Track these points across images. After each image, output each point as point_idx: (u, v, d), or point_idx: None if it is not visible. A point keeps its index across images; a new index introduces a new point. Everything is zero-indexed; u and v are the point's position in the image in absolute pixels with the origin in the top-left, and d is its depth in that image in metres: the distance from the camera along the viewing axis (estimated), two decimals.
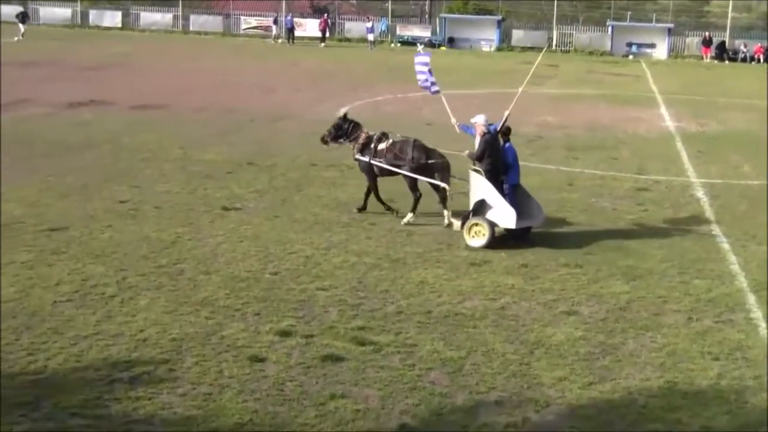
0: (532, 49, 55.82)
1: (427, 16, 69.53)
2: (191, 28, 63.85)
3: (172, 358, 9.19)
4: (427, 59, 16.59)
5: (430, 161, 14.75)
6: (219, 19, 65.01)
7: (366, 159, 15.05)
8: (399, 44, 59.03)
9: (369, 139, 15.17)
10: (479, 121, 14.30)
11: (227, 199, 15.94)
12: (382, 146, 15.01)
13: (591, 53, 56.42)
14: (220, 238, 13.60)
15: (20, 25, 51.80)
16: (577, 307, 11.24)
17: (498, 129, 14.44)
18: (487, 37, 59.74)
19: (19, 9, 57.10)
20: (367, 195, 15.33)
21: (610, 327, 10.62)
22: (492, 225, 13.72)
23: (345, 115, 15.66)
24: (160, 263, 12.23)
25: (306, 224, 14.57)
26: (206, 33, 62.48)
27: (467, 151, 14.63)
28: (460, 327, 10.43)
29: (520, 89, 15.86)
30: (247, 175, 18.10)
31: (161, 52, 47.06)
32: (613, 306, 11.34)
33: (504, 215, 13.74)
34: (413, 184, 14.89)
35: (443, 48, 57.46)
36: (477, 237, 13.71)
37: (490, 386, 8.93)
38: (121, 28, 63.54)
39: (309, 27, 60.37)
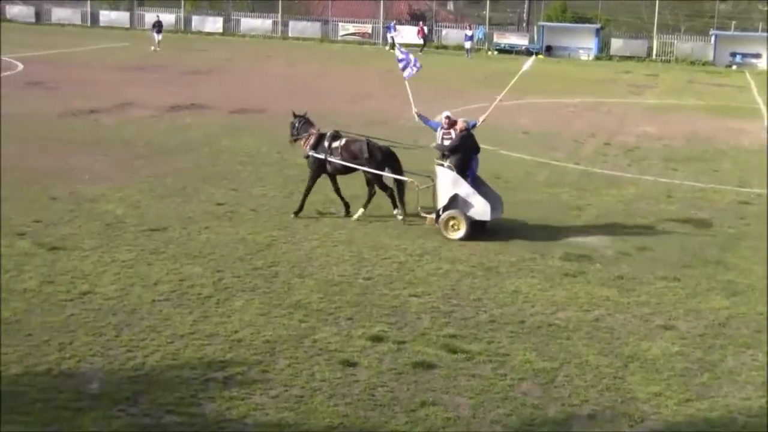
0: (631, 58, 54.91)
1: (524, 23, 68.98)
2: (290, 34, 64.60)
3: (265, 360, 9.28)
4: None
5: (384, 159, 15.15)
6: (317, 25, 65.64)
7: (321, 156, 15.23)
8: (496, 52, 58.73)
9: (321, 137, 15.41)
10: (448, 115, 15.03)
11: (322, 203, 16.04)
12: (336, 144, 15.27)
13: (692, 63, 55.19)
14: (314, 242, 13.70)
15: (155, 34, 50.42)
16: (674, 321, 10.99)
17: (476, 125, 15.07)
18: (585, 45, 59.01)
19: (155, 17, 55.68)
20: (338, 194, 15.51)
21: (709, 343, 10.35)
22: (467, 218, 14.12)
23: (294, 113, 16.04)
24: (255, 265, 12.37)
25: (399, 230, 14.57)
26: (304, 39, 63.12)
27: (434, 143, 14.98)
28: (553, 338, 10.29)
29: (498, 98, 16.21)
30: (341, 180, 18.14)
31: (260, 57, 47.73)
32: (711, 321, 11.05)
33: (477, 208, 14.20)
34: (380, 182, 15.24)
35: (540, 56, 56.97)
36: (454, 230, 14.15)
37: (583, 399, 8.79)
38: (222, 34, 64.67)
39: (406, 34, 60.46)
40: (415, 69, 16.79)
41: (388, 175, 15.22)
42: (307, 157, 15.56)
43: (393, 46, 57.05)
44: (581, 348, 10.03)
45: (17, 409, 8.01)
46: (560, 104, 30.83)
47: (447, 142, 14.86)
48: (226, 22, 66.62)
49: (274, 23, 66.13)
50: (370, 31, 63.87)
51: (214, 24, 66.59)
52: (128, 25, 68.65)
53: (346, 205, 15.48)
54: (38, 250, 12.50)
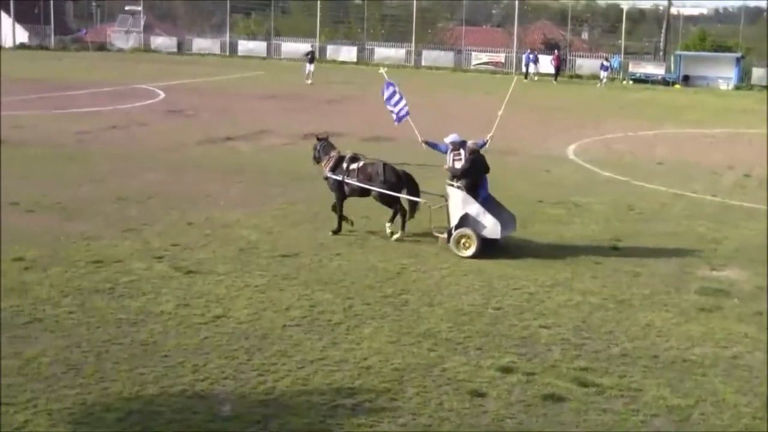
0: None
1: (661, 53, 67.65)
2: (423, 63, 65.08)
3: (393, 388, 9.29)
4: (393, 88, 17.19)
5: (401, 182, 15.59)
6: (450, 54, 65.95)
7: (339, 177, 15.69)
8: (631, 81, 57.74)
9: (341, 159, 15.88)
10: (453, 139, 15.32)
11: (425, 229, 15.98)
12: (353, 166, 15.73)
13: None
14: (444, 270, 13.68)
15: (307, 65, 49.10)
16: None
17: (486, 145, 15.47)
18: (724, 74, 57.49)
19: (308, 48, 54.75)
20: (339, 214, 15.86)
21: None
22: (478, 235, 14.53)
23: (317, 136, 16.69)
24: (385, 293, 12.43)
25: (530, 261, 14.42)
26: (437, 68, 63.46)
27: (446, 166, 15.25)
28: (688, 374, 9.98)
29: (499, 113, 16.49)
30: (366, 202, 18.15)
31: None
32: None
33: (488, 227, 14.65)
34: (391, 204, 15.66)
35: (677, 86, 55.73)
36: (466, 248, 14.55)
37: None
38: (356, 63, 65.57)
39: (541, 63, 60.09)
40: (401, 114, 17.27)
41: (402, 196, 15.60)
42: (326, 179, 16.01)
43: (526, 75, 56.95)
44: (718, 385, 9.68)
45: (154, 428, 8.23)
46: (698, 134, 30.06)
47: (458, 163, 15.15)
48: (360, 51, 67.63)
49: (408, 52, 66.78)
50: (503, 60, 63.73)
51: (348, 53, 67.73)
52: (265, 55, 70.40)
53: (339, 225, 15.80)
54: (175, 274, 12.88)
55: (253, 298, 11.99)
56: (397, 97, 17.32)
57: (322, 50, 69.04)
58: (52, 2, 76.46)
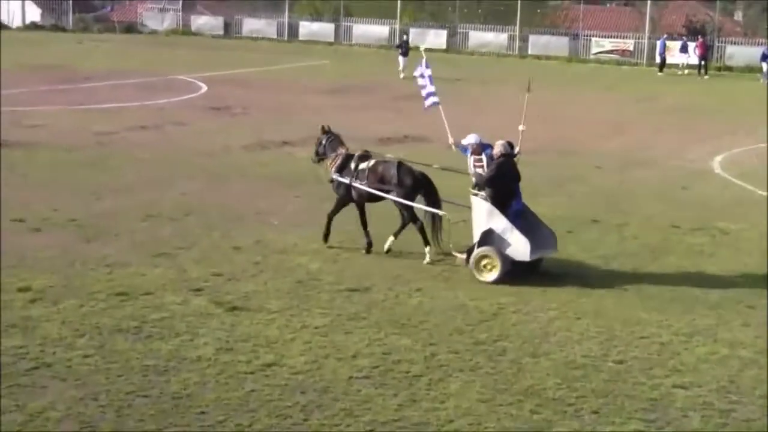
0: None
1: None
2: (530, 51, 64.96)
3: None
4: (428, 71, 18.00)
5: (417, 185, 16.15)
6: (564, 40, 65.75)
7: (345, 181, 16.36)
8: None
9: (349, 157, 16.48)
10: (472, 141, 16.03)
11: (564, 264, 15.93)
12: (363, 166, 16.35)
13: None
14: (552, 312, 13.61)
15: (400, 57, 49.34)
16: None
17: (515, 154, 15.74)
18: None
19: (402, 38, 54.64)
20: (364, 226, 16.54)
21: None
22: (503, 256, 14.81)
23: (323, 128, 17.25)
24: (477, 339, 12.41)
25: (662, 302, 14.27)
26: (548, 57, 63.27)
27: (471, 170, 15.82)
28: None
29: (521, 128, 16.80)
30: (589, 235, 18.04)
31: (492, 78, 48.22)
32: None
33: (516, 246, 14.89)
34: (412, 213, 16.13)
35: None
36: (487, 271, 14.84)
37: None
38: (446, 50, 65.66)
39: (678, 52, 59.47)
40: (431, 100, 18.13)
41: (418, 206, 16.15)
42: (332, 180, 16.68)
43: (661, 67, 56.48)
44: None
45: None
46: None
47: (479, 170, 15.67)
48: (451, 35, 67.82)
49: (511, 38, 66.78)
50: (631, 47, 63.32)
51: (436, 38, 67.84)
52: (332, 39, 70.98)
53: (369, 243, 16.36)
54: (216, 310, 13.02)
55: (313, 342, 12.06)
56: (428, 81, 18.16)
57: (404, 34, 69.39)
58: None
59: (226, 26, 75.20)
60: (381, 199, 16.40)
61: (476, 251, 15.04)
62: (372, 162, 16.45)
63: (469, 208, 15.71)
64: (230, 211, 18.66)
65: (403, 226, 16.25)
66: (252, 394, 10.43)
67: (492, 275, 14.84)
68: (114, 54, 54.93)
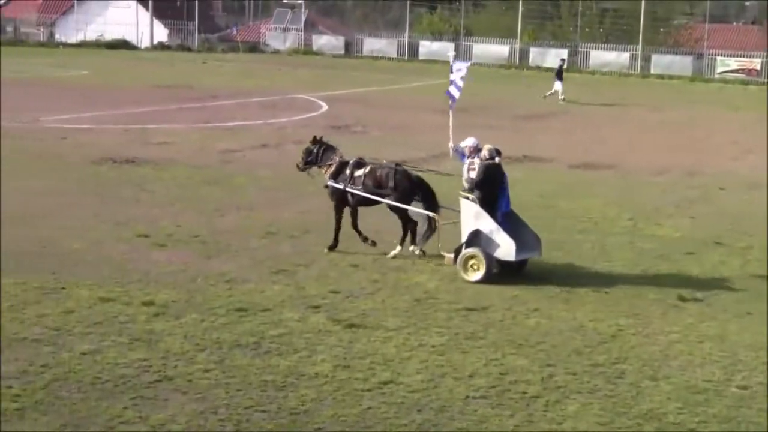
0: None
1: None
2: (652, 71, 64.20)
3: None
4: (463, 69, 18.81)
5: (414, 189, 16.84)
6: (688, 60, 64.80)
7: (340, 186, 16.95)
8: None
9: (344, 164, 17.13)
10: (470, 143, 16.46)
11: (685, 286, 15.67)
12: (359, 173, 16.97)
13: None
14: (673, 335, 13.39)
15: (556, 81, 47.24)
16: None
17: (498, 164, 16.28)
18: None
19: (561, 58, 52.60)
20: (355, 227, 17.24)
21: None
22: (489, 257, 15.45)
23: (315, 138, 17.93)
24: (595, 361, 12.26)
25: None
26: (670, 77, 62.47)
27: (464, 176, 16.35)
28: None
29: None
30: (712, 258, 17.73)
31: (613, 98, 47.70)
32: None
33: (502, 247, 15.52)
34: (405, 215, 16.90)
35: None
36: (474, 271, 15.50)
37: None
38: (566, 70, 65.24)
39: None
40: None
41: (416, 210, 16.86)
42: (327, 186, 17.30)
43: None
44: None
45: None
46: None
47: (473, 173, 16.18)
48: (571, 55, 67.33)
49: (633, 57, 66.07)
50: (758, 67, 62.13)
51: (557, 58, 67.40)
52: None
53: (364, 239, 17.15)
54: (334, 327, 13.09)
55: (429, 360, 12.04)
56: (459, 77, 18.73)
57: (524, 53, 69.21)
58: None
59: (347, 46, 75.88)
60: (376, 203, 17.01)
61: (463, 251, 15.70)
62: (368, 168, 17.05)
63: (458, 211, 16.30)
64: (350, 229, 18.72)
65: (405, 233, 16.96)
66: (368, 412, 10.45)
67: (478, 275, 15.48)
68: (237, 73, 55.77)
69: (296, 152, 27.75)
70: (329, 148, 17.75)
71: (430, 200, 16.94)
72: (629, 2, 72.57)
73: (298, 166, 18.24)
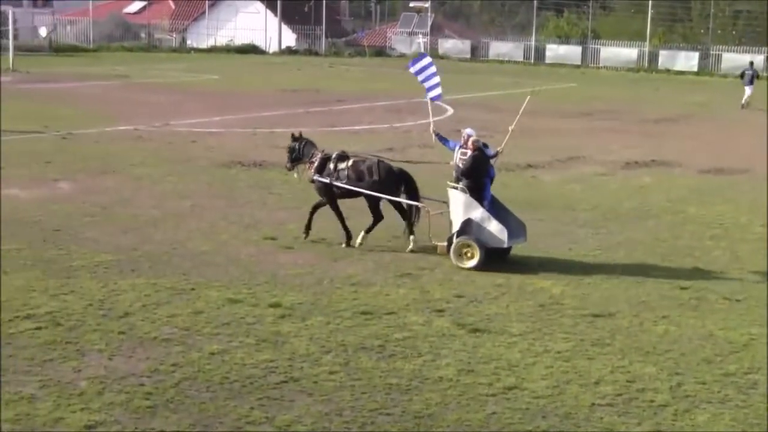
0: None
1: None
2: None
3: None
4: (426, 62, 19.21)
5: (397, 181, 17.33)
6: None
7: (326, 180, 17.37)
8: None
9: (327, 158, 17.55)
10: (470, 134, 16.77)
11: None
12: (342, 166, 17.39)
13: None
14: None
15: (747, 88, 45.78)
16: None
17: (496, 156, 17.09)
18: None
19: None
20: (340, 220, 17.57)
21: None
22: (482, 244, 16.02)
23: (294, 135, 18.35)
24: (726, 370, 12.02)
25: None
26: None
27: (452, 162, 17.00)
28: None
29: (511, 127, 17.87)
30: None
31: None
32: None
33: (494, 234, 16.15)
34: (376, 206, 17.42)
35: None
36: (468, 259, 16.08)
37: None
38: (697, 73, 64.30)
39: None
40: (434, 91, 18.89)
41: (398, 200, 17.33)
42: (313, 181, 17.66)
43: None
44: None
45: None
46: None
47: (460, 163, 16.70)
48: (702, 58, 66.24)
49: None
50: None
51: (687, 61, 66.55)
52: (579, 62, 70.56)
53: (347, 232, 17.51)
54: (458, 332, 13.07)
55: (554, 366, 11.95)
56: (429, 72, 19.04)
57: (653, 57, 68.25)
58: (324, 0, 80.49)
59: (473, 49, 75.90)
60: (360, 195, 17.41)
61: (456, 240, 16.25)
62: (351, 161, 17.49)
63: (445, 202, 16.96)
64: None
65: (409, 221, 17.33)
66: (493, 417, 10.41)
67: (471, 262, 16.03)
68: (364, 77, 56.11)
69: (420, 156, 27.99)
70: (309, 144, 18.20)
71: (412, 191, 17.37)
72: (763, 3, 71.03)
73: (286, 167, 18.70)
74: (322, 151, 17.94)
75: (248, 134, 31.25)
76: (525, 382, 11.41)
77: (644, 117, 39.94)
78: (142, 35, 78.96)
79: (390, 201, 17.46)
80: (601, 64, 69.97)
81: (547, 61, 71.67)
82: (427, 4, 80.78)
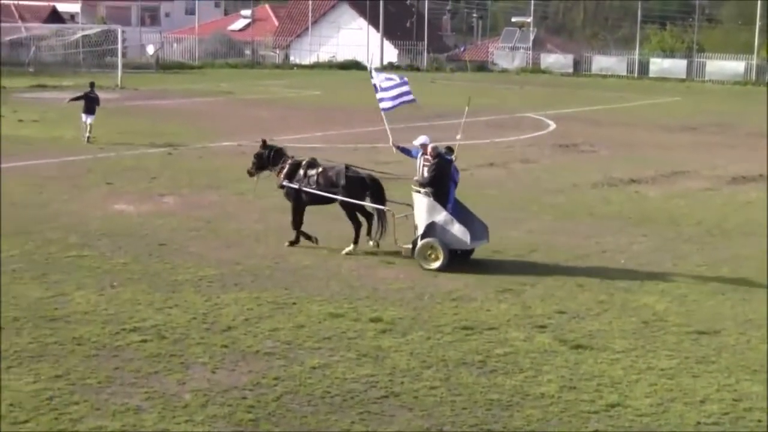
0: None
1: None
2: None
3: None
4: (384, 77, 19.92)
5: (364, 187, 17.86)
6: None
7: (295, 186, 17.85)
8: None
9: (297, 165, 18.04)
10: (424, 141, 17.41)
11: None
12: (312, 172, 17.89)
13: None
14: None
15: None
16: None
17: (451, 161, 17.40)
18: None
19: None
20: (297, 227, 18.06)
21: None
22: (446, 246, 16.64)
23: (264, 142, 18.81)
24: None
25: None
26: None
27: (416, 177, 17.42)
28: None
29: (458, 136, 18.61)
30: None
31: None
32: None
33: (457, 236, 16.76)
34: (352, 213, 17.85)
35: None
36: (432, 260, 16.69)
37: None
38: None
39: None
40: (397, 101, 19.64)
41: (368, 204, 17.83)
42: (282, 187, 18.14)
43: None
44: None
45: None
46: None
47: (426, 170, 17.17)
48: None
49: None
50: None
51: None
52: (684, 76, 69.65)
53: (307, 237, 18.10)
54: (560, 348, 12.98)
55: (658, 384, 11.79)
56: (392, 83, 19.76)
57: (761, 70, 67.09)
58: (426, 16, 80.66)
59: (576, 64, 75.33)
60: (330, 201, 17.97)
61: (420, 243, 16.82)
62: (320, 168, 17.96)
63: (409, 205, 17.48)
64: (575, 248, 18.57)
65: (380, 227, 17.73)
66: None
67: (436, 264, 16.62)
68: (465, 92, 55.98)
69: (523, 171, 27.92)
70: (279, 151, 18.61)
71: (379, 197, 17.81)
72: None
73: (249, 171, 19.05)
74: (292, 157, 18.45)
75: (350, 149, 31.39)
76: (628, 399, 11.29)
77: (751, 131, 39.25)
78: (246, 52, 79.95)
79: (355, 205, 17.87)
80: (706, 78, 68.96)
81: (651, 75, 70.84)
82: (530, 19, 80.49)
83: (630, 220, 21.42)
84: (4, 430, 9.97)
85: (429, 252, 16.78)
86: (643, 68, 72.17)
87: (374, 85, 19.71)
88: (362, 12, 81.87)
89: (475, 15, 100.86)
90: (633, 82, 69.14)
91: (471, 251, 17.28)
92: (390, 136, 18.86)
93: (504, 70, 76.01)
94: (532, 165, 29.31)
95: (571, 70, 74.40)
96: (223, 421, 10.32)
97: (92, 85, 33.20)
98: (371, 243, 17.87)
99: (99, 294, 14.76)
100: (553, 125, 39.86)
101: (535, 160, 30.34)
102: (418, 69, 75.81)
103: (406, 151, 18.35)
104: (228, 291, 15.13)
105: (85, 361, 11.94)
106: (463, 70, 75.60)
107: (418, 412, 10.73)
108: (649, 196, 24.64)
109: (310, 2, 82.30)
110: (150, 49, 75.32)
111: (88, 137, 31.30)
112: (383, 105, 19.52)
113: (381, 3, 78.20)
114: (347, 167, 18.14)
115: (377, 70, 20.91)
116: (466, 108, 19.24)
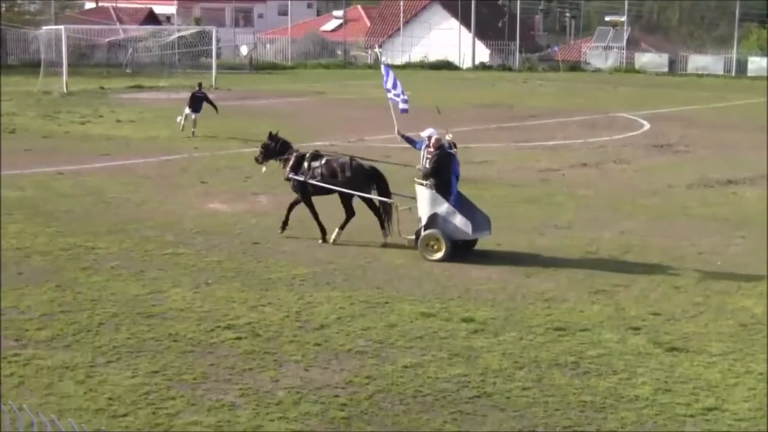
0: None
1: None
2: None
3: None
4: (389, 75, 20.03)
5: (369, 179, 18.20)
6: None
7: (300, 178, 18.13)
8: None
9: (301, 157, 18.29)
10: (430, 133, 17.45)
11: None
12: (316, 164, 18.16)
13: None
14: None
15: None
16: None
17: (453, 154, 17.57)
18: None
19: None
20: (315, 218, 18.28)
21: None
22: (448, 237, 16.98)
23: (271, 133, 19.00)
24: None
25: None
26: None
27: (419, 165, 17.64)
28: None
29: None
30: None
31: None
32: None
33: (459, 227, 17.10)
34: (349, 203, 18.24)
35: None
36: (435, 252, 17.06)
37: None
38: None
39: None
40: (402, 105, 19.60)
41: (371, 197, 18.21)
42: (288, 179, 18.40)
43: None
44: None
45: None
46: None
47: (427, 163, 17.38)
48: None
49: None
50: None
51: None
52: None
53: (322, 229, 18.28)
54: (654, 350, 12.85)
55: (757, 388, 11.62)
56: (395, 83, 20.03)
57: None
58: (518, 15, 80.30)
59: (671, 63, 74.44)
60: (333, 192, 18.18)
61: (423, 234, 17.18)
62: (324, 160, 18.25)
63: (413, 198, 17.74)
64: (671, 250, 18.36)
65: (380, 217, 18.12)
66: None
67: (438, 255, 17.00)
68: (558, 92, 55.75)
69: (617, 171, 27.68)
70: (284, 143, 18.88)
71: (384, 189, 18.16)
72: None
73: (256, 159, 19.45)
74: (297, 150, 18.69)
75: None
76: (726, 403, 11.14)
77: None
78: (338, 52, 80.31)
79: (361, 198, 18.28)
80: (747, 74, 67.73)
81: (750, 74, 69.70)
82: (623, 18, 79.70)
83: (727, 221, 21.12)
84: (104, 423, 10.15)
85: (432, 243, 17.14)
86: (741, 67, 71.05)
87: (386, 89, 20.27)
88: (454, 12, 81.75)
89: (567, 14, 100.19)
90: (730, 81, 68.08)
91: (474, 243, 17.65)
92: (396, 123, 19.14)
93: (597, 70, 75.37)
94: (625, 165, 29.04)
95: (666, 70, 73.53)
96: (316, 418, 10.41)
97: (200, 85, 35.75)
98: (388, 238, 18.11)
99: (194, 291, 14.97)
100: (647, 125, 39.44)
101: (629, 160, 30.04)
102: (510, 69, 75.57)
103: (410, 141, 18.47)
104: (320, 289, 15.24)
105: (181, 357, 12.13)
106: (555, 70, 75.13)
107: (510, 413, 10.71)
108: (746, 197, 24.26)
109: (402, 2, 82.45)
110: (243, 50, 76.09)
111: (193, 132, 33.00)
112: (401, 106, 19.76)
113: (473, 3, 77.98)
114: (352, 159, 18.40)
115: (386, 65, 21.08)
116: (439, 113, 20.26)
